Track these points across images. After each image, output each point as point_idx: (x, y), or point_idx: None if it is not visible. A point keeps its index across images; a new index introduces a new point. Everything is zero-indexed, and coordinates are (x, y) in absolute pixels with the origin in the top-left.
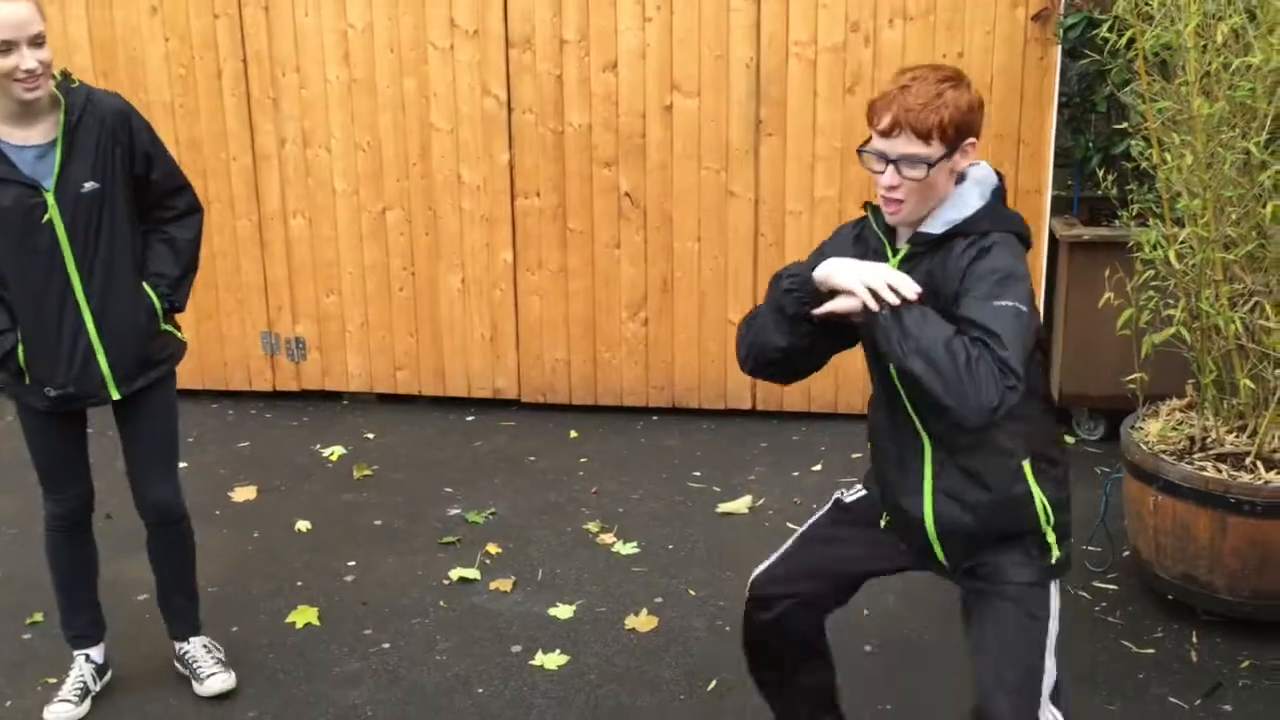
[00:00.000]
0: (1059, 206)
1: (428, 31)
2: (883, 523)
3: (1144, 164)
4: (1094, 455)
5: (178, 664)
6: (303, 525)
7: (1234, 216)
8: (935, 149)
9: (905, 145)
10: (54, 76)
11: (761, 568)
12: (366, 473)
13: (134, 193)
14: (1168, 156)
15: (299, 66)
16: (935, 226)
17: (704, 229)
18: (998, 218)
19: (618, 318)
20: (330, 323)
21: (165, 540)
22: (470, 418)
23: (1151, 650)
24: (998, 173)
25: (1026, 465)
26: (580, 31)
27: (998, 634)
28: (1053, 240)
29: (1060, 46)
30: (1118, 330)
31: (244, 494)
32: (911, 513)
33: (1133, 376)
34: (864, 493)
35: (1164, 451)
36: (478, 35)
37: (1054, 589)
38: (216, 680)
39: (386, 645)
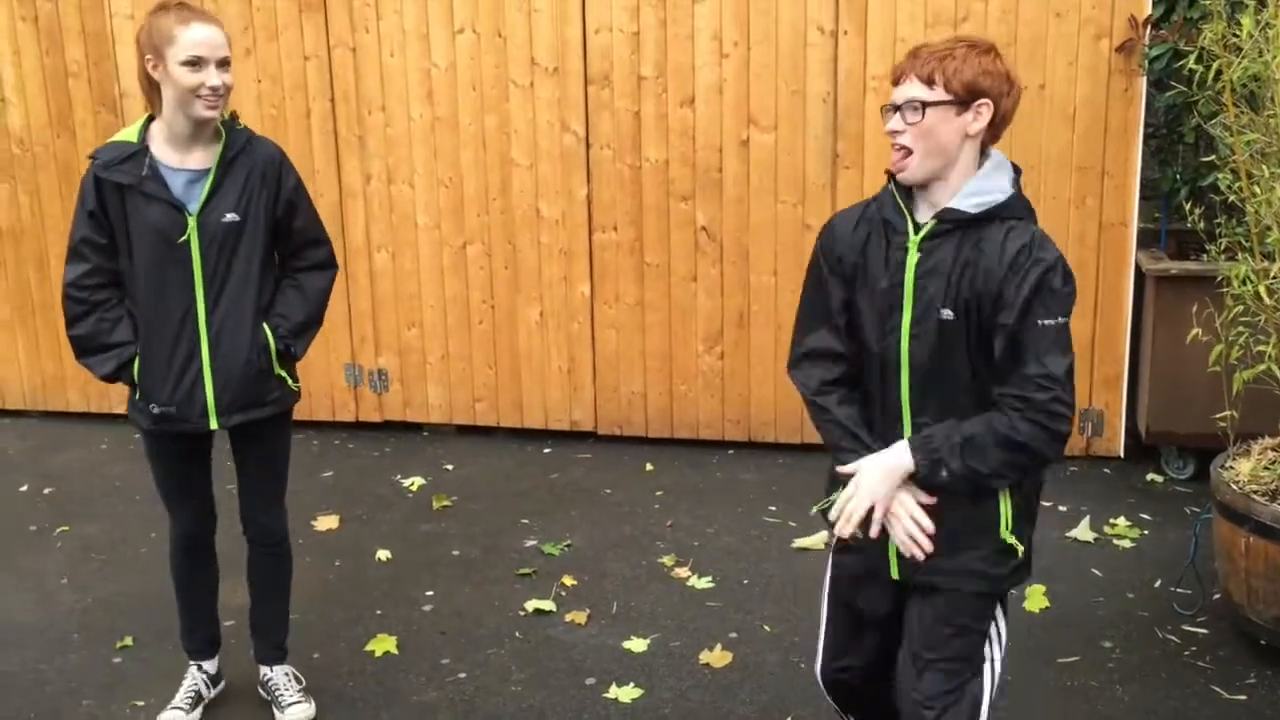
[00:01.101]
0: (1145, 240)
1: (509, 69)
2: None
3: (1232, 197)
4: (1183, 495)
5: (261, 689)
6: (383, 554)
7: None
8: (937, 94)
9: (908, 90)
10: (222, 114)
11: (820, 659)
12: (445, 503)
13: (273, 237)
14: (1257, 189)
15: (384, 105)
16: (966, 205)
17: (780, 262)
18: (1028, 207)
19: (694, 351)
20: (412, 355)
21: (262, 560)
22: (547, 450)
23: (1244, 697)
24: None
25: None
26: (658, 68)
27: (926, 628)
28: (1138, 274)
29: (1145, 78)
30: (1209, 367)
31: (327, 523)
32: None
33: (1223, 414)
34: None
35: (1255, 492)
36: (557, 73)
37: (999, 611)
38: (298, 710)
39: (463, 675)
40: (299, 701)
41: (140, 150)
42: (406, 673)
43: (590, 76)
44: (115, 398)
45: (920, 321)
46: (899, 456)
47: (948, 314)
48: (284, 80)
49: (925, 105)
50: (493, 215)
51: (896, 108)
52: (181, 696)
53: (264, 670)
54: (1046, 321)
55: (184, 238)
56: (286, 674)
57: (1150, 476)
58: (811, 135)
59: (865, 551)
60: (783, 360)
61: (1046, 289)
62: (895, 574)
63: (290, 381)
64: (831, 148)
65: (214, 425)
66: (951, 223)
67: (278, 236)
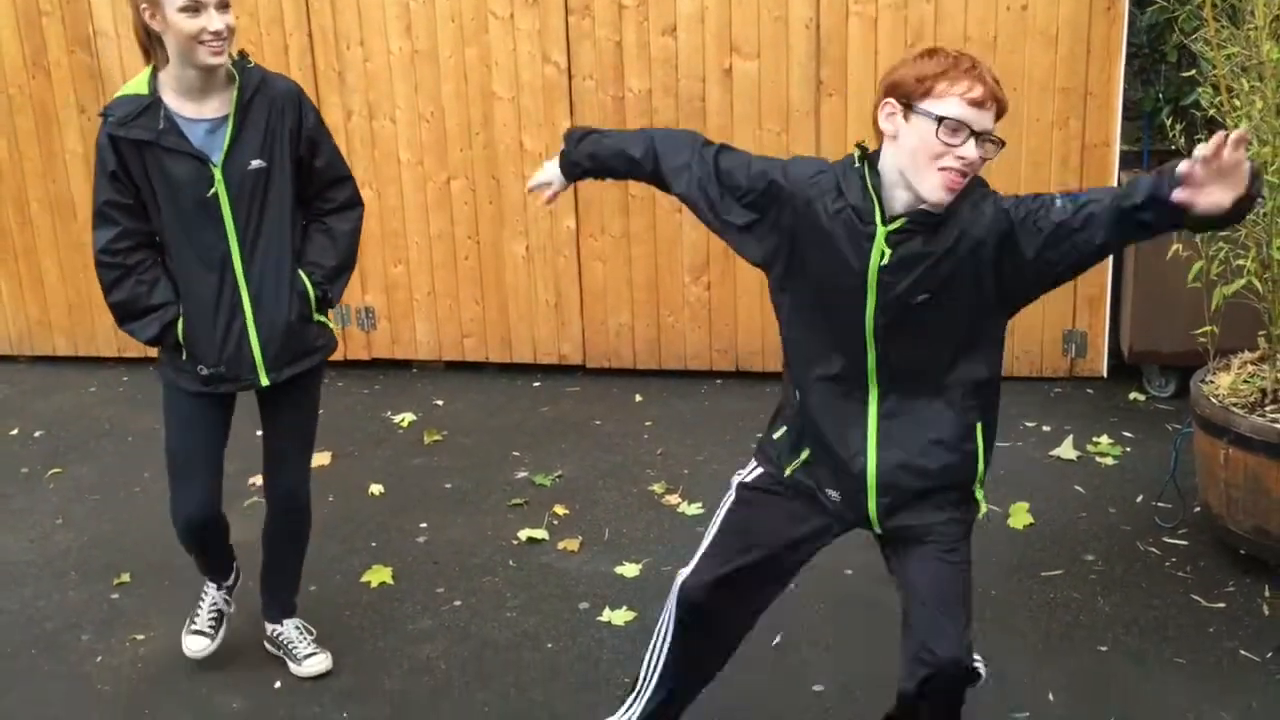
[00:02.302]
0: (1128, 162)
1: (488, 1)
2: (793, 469)
3: (1213, 112)
4: (1165, 412)
5: (269, 645)
6: (376, 489)
7: None
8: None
9: (990, 121)
10: (230, 56)
11: (687, 572)
12: (436, 438)
13: (297, 178)
14: (1237, 103)
15: (363, 40)
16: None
17: None
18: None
19: (680, 282)
20: (398, 292)
21: (284, 525)
22: (536, 383)
23: (1223, 604)
24: None
25: (980, 426)
26: None
27: (934, 583)
28: None
29: None
30: (1189, 283)
31: (318, 460)
32: (853, 466)
33: (1203, 330)
34: (761, 470)
35: (1235, 404)
36: (537, 3)
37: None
38: (315, 661)
39: (458, 603)
40: (315, 653)
41: (154, 102)
42: (403, 602)
43: (570, 6)
44: (101, 341)
45: (886, 309)
46: None
47: (921, 297)
48: (260, 15)
49: (999, 148)
50: (476, 150)
51: (974, 133)
52: (205, 619)
53: (273, 627)
54: (1056, 204)
55: (212, 191)
56: (298, 627)
57: (1133, 395)
58: (795, 62)
59: (845, 503)
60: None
61: (1032, 202)
62: (877, 528)
63: (330, 324)
64: (815, 74)
65: (265, 381)
66: (923, 225)
67: (300, 177)
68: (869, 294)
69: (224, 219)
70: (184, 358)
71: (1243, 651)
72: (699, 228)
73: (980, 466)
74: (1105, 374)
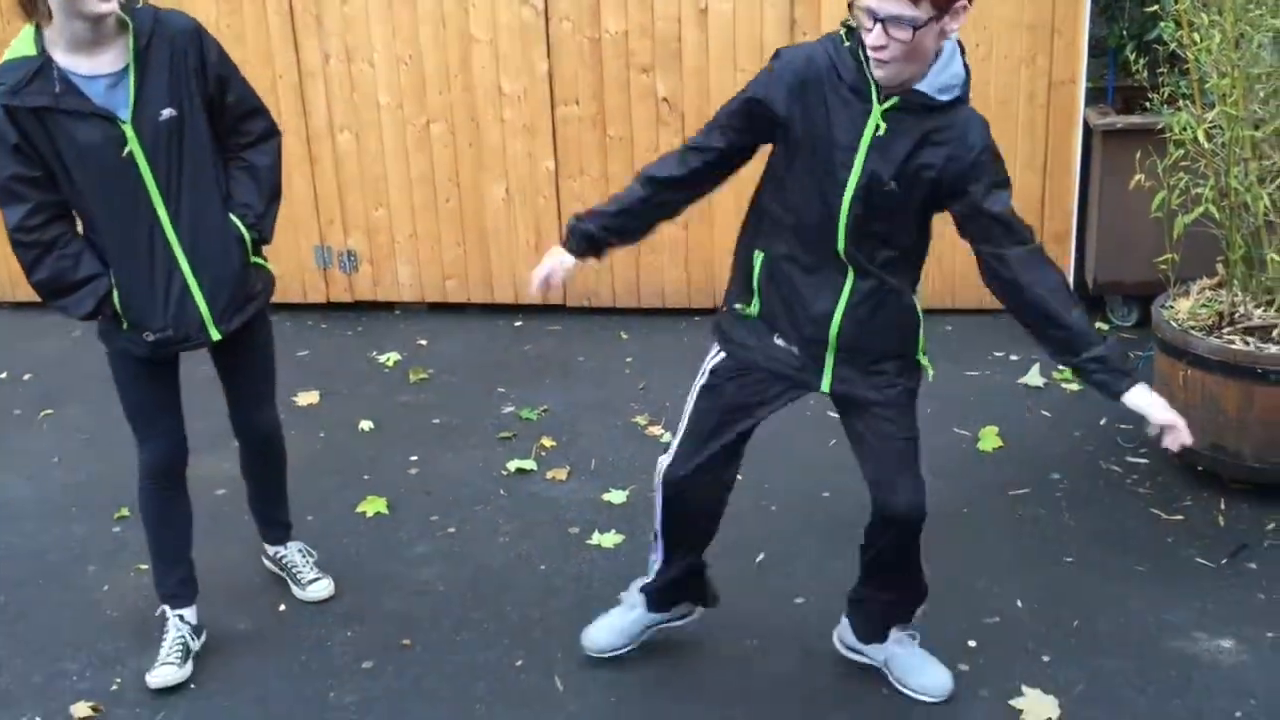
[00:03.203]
0: (1094, 98)
1: None
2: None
3: (1174, 47)
4: (1128, 341)
5: (270, 564)
6: (365, 425)
7: (1262, 94)
8: (924, 11)
9: (894, 5)
10: None
11: (668, 460)
12: (423, 376)
13: (211, 118)
14: (1197, 37)
15: None
16: (934, 91)
17: None
18: (969, 81)
19: None
20: (380, 235)
21: (262, 456)
22: (518, 323)
23: (1181, 517)
24: None
25: (916, 300)
26: None
27: (886, 442)
28: (1087, 131)
29: None
30: (1151, 213)
31: (307, 398)
32: (817, 333)
33: (1164, 258)
34: (724, 354)
35: (1193, 328)
36: None
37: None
38: (319, 586)
39: (453, 530)
40: (319, 578)
41: (44, 63)
42: (398, 530)
43: None
44: None
45: (865, 188)
46: None
47: (892, 186)
48: None
49: (916, 28)
50: (454, 93)
51: (877, 19)
52: (169, 651)
53: (276, 549)
54: (1002, 205)
55: (126, 150)
56: (300, 550)
57: (1097, 325)
58: (769, 2)
59: (803, 358)
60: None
61: (997, 179)
62: (826, 388)
63: (266, 265)
64: (789, 14)
65: (216, 336)
66: (919, 106)
67: (213, 116)
68: (855, 170)
69: (143, 177)
70: (124, 328)
71: (1198, 559)
72: None
73: (922, 335)
74: None
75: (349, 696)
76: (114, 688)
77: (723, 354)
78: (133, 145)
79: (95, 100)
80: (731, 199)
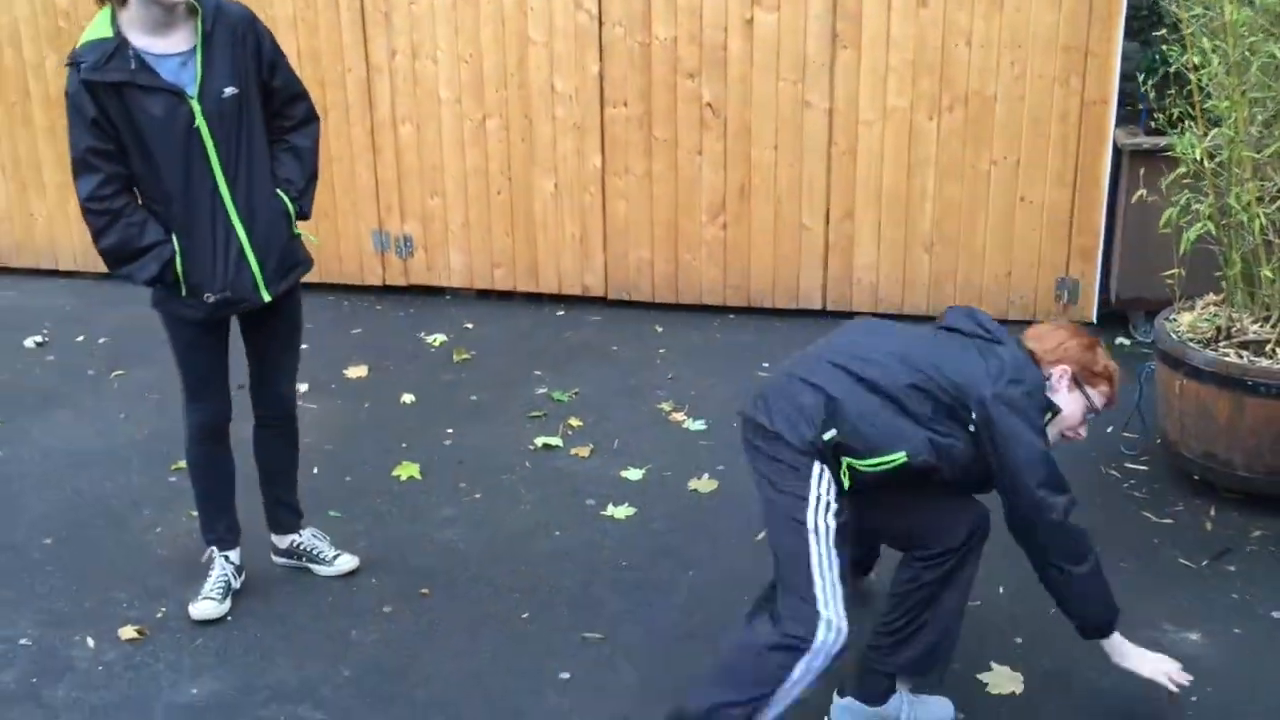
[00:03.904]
0: (1128, 120)
1: None
2: None
3: (1176, 68)
4: (1146, 355)
5: (283, 559)
6: (408, 399)
7: (1261, 118)
8: None
9: None
10: None
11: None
12: (465, 357)
13: (262, 100)
14: (1198, 60)
15: None
16: None
17: (781, 138)
18: None
19: (698, 221)
20: (435, 223)
21: (282, 433)
22: (560, 312)
23: (1170, 521)
24: None
25: None
26: None
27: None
28: (1116, 151)
29: None
30: (1159, 229)
31: (356, 372)
32: None
33: (1170, 272)
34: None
35: (1192, 340)
36: None
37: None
38: (345, 559)
39: (479, 496)
40: (342, 553)
41: (120, 43)
42: (429, 494)
43: None
44: None
45: None
46: None
47: None
48: None
49: None
50: (510, 90)
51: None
52: (212, 586)
53: (290, 538)
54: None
55: (195, 124)
56: (315, 534)
57: (1119, 340)
58: (812, 15)
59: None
60: (781, 231)
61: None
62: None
63: (308, 238)
64: (831, 27)
65: (266, 298)
66: None
67: (264, 98)
68: None
69: (206, 148)
70: (183, 294)
71: (1181, 559)
72: (718, 171)
73: None
74: (1095, 320)
75: (369, 636)
76: (159, 615)
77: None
78: (199, 119)
79: (166, 77)
80: (769, 202)
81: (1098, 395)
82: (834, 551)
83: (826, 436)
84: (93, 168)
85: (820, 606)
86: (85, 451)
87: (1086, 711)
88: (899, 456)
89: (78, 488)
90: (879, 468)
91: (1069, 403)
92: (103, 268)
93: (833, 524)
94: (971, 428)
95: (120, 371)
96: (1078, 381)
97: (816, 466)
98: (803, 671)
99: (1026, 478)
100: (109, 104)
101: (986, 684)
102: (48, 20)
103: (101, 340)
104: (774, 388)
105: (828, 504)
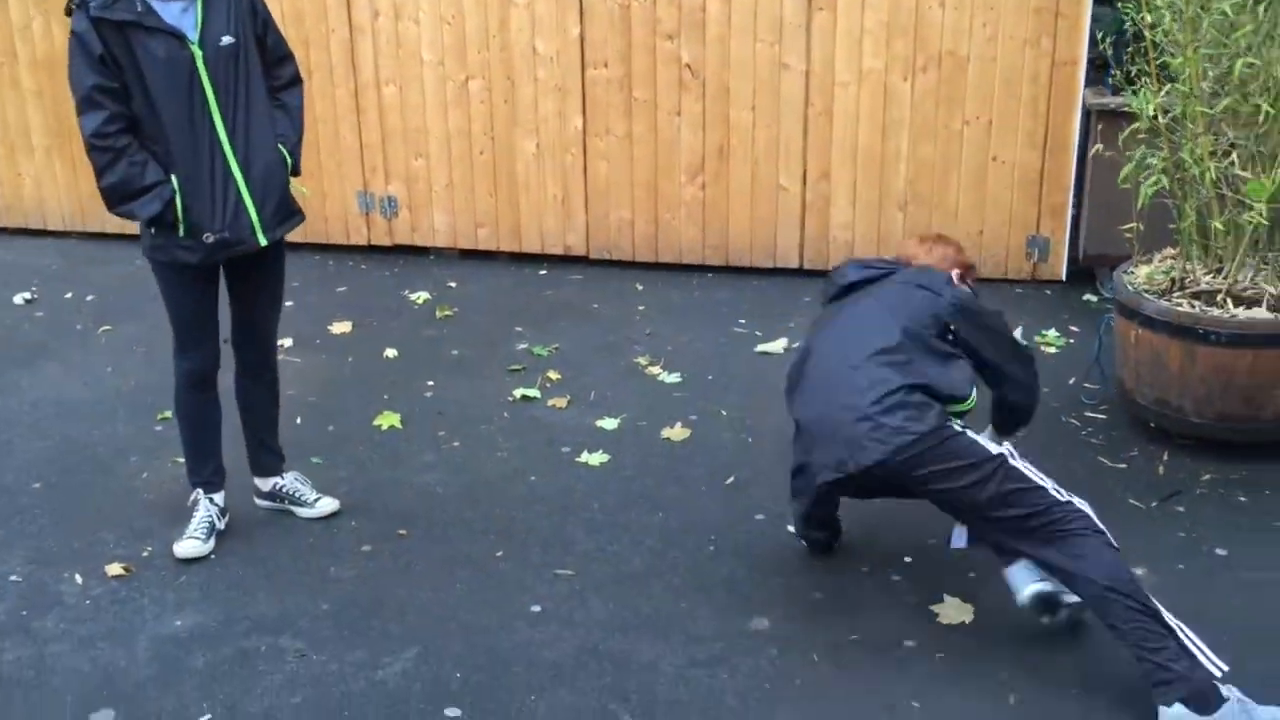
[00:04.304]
0: (1093, 80)
1: None
2: None
3: (1130, 26)
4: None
5: (266, 501)
6: (390, 353)
7: (1213, 74)
8: None
9: None
10: None
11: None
12: (448, 313)
13: (259, 53)
14: (1149, 17)
15: None
16: None
17: (758, 99)
18: None
19: (677, 182)
20: (418, 183)
21: (264, 380)
22: (543, 271)
23: (1124, 465)
24: None
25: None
26: None
27: None
28: (1085, 111)
29: None
30: (1119, 184)
31: (341, 328)
32: None
33: (1128, 226)
34: None
35: (1147, 291)
36: None
37: None
38: (326, 501)
39: (457, 444)
40: (322, 496)
41: None
42: (409, 442)
43: None
44: None
45: None
46: None
47: None
48: None
49: None
50: (492, 52)
51: None
52: (196, 526)
53: (273, 481)
54: None
55: (194, 66)
56: (296, 477)
57: (1086, 296)
58: None
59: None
60: (759, 191)
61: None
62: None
63: (302, 190)
64: None
65: (263, 241)
66: None
67: (260, 53)
68: None
69: (205, 93)
70: (181, 234)
71: (1132, 500)
72: (697, 132)
73: None
74: (1064, 277)
75: (347, 573)
76: (145, 554)
77: None
78: (198, 63)
79: (169, 20)
80: (747, 163)
81: (974, 286)
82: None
83: (946, 409)
84: (98, 104)
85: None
86: (73, 402)
87: (1029, 634)
88: (971, 391)
89: (66, 436)
90: (966, 409)
91: None
92: (94, 227)
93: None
94: (950, 336)
95: (107, 327)
96: (964, 279)
97: (960, 430)
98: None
99: (1014, 346)
100: (114, 43)
101: (938, 614)
102: None
103: (89, 297)
104: (854, 429)
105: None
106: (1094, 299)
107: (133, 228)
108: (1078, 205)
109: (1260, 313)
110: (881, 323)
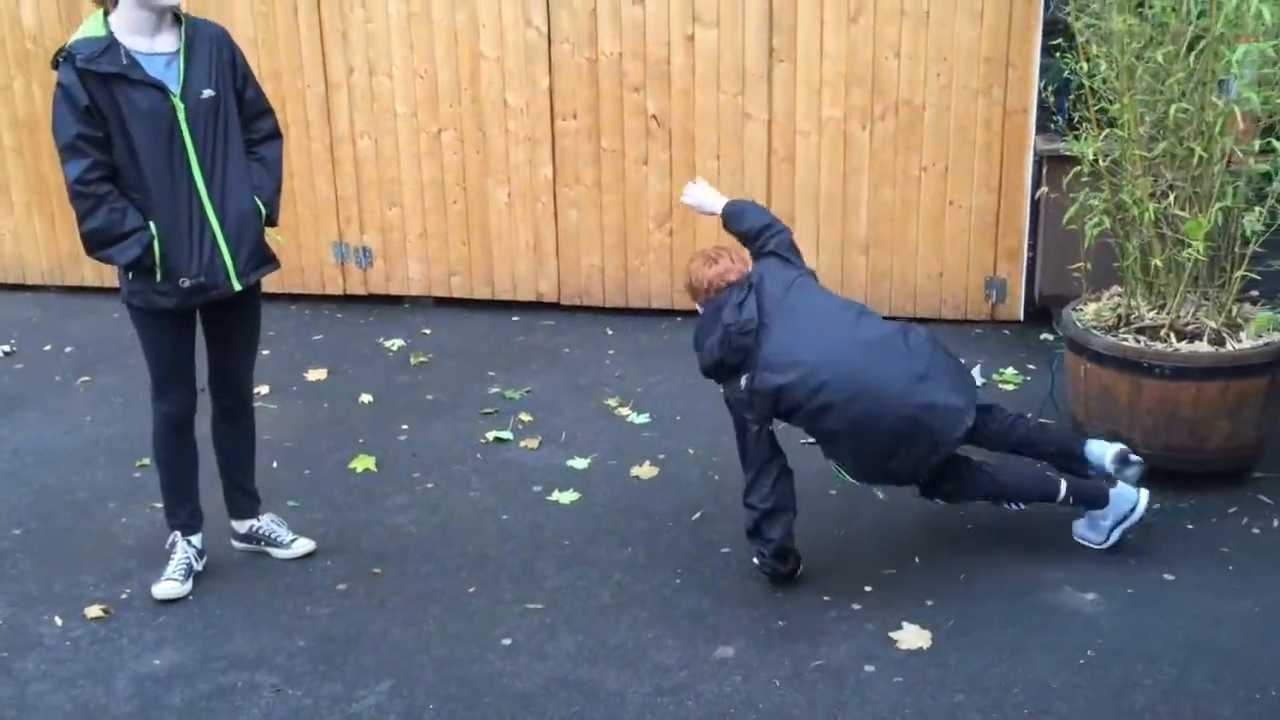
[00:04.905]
0: (1045, 127)
1: None
2: None
3: (1066, 73)
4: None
5: (242, 544)
6: (366, 398)
7: (1150, 120)
8: None
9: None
10: None
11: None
12: (422, 359)
13: (238, 107)
14: (1085, 66)
15: (364, 2)
16: None
17: (723, 147)
18: None
19: (646, 228)
20: (393, 233)
21: (241, 423)
22: (515, 318)
23: None
24: None
25: None
26: None
27: None
28: (1038, 157)
29: None
30: (1064, 225)
31: (316, 374)
32: None
33: (1076, 265)
34: None
35: (1095, 328)
36: None
37: None
38: (302, 542)
39: (431, 485)
40: (298, 537)
41: (112, 42)
42: (383, 484)
43: None
44: None
45: None
46: None
47: None
48: None
49: None
50: (464, 104)
51: None
52: (174, 568)
53: (249, 524)
54: None
55: (175, 118)
56: (273, 519)
57: (1043, 336)
58: (750, 30)
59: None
60: (726, 237)
61: None
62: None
63: (278, 239)
64: (767, 42)
65: (237, 286)
66: None
67: (238, 107)
68: None
69: (186, 144)
70: (159, 279)
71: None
72: (663, 178)
73: None
74: (1022, 317)
75: (323, 610)
76: (124, 596)
77: None
78: (180, 115)
79: (153, 73)
80: None
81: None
82: None
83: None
84: (81, 152)
85: None
86: (53, 450)
87: (986, 659)
88: None
89: (46, 483)
90: None
91: None
92: (69, 281)
93: None
94: None
95: (86, 378)
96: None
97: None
98: None
99: None
100: (99, 94)
101: (896, 640)
102: (15, 43)
103: (68, 349)
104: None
105: None
106: (1050, 338)
107: (109, 281)
108: (1033, 247)
109: (1202, 346)
110: (842, 302)
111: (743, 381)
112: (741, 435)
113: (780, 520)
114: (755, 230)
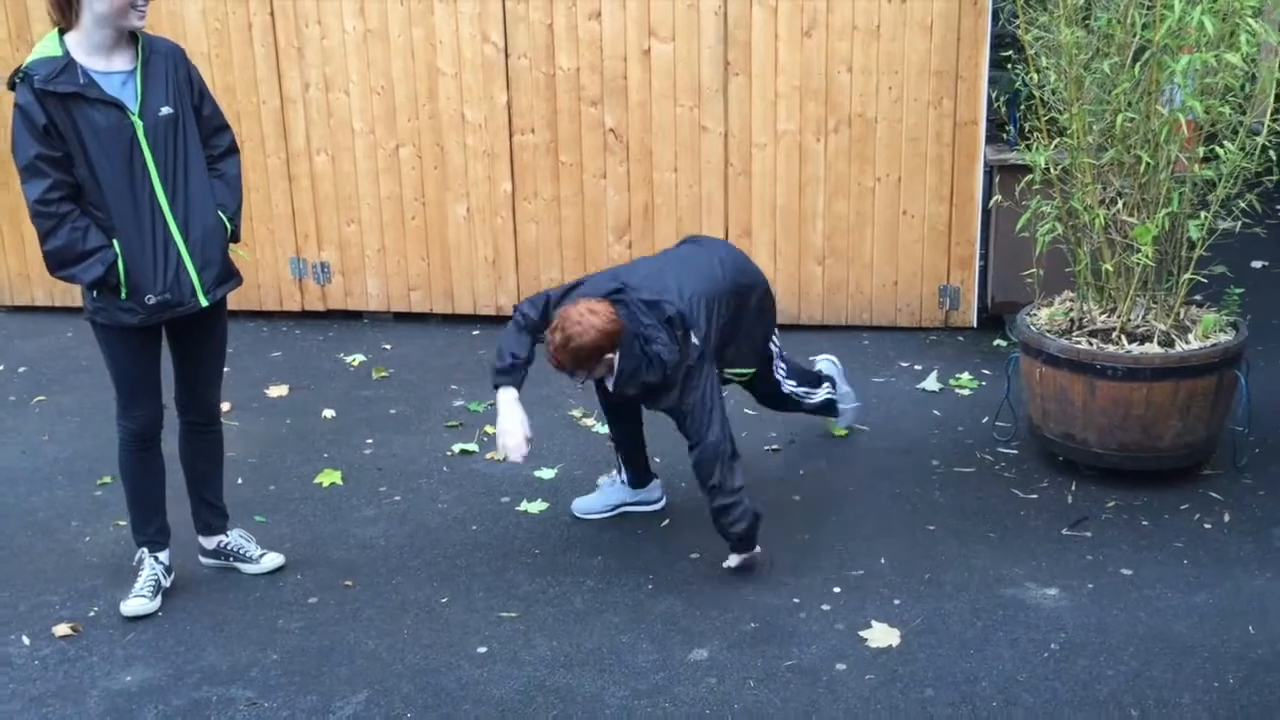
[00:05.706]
0: (994, 138)
1: None
2: None
3: (1017, 84)
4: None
5: (211, 560)
6: (328, 413)
7: (1098, 128)
8: None
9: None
10: None
11: None
12: (384, 374)
13: (197, 123)
14: (1035, 77)
15: (320, 19)
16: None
17: (680, 160)
18: None
19: (605, 241)
20: (351, 249)
21: (208, 439)
22: (476, 332)
23: (1035, 495)
24: None
25: None
26: None
27: None
28: (989, 167)
29: None
30: (1016, 232)
31: (277, 391)
32: None
33: (1029, 271)
34: None
35: (1049, 332)
36: None
37: None
38: (271, 557)
39: (398, 498)
40: (267, 552)
41: (69, 62)
42: (350, 497)
43: None
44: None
45: None
46: None
47: None
48: None
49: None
50: (422, 120)
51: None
52: (143, 585)
53: (218, 539)
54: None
55: (134, 136)
56: (241, 534)
57: (996, 341)
58: (705, 45)
59: None
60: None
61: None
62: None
63: (241, 254)
64: (723, 56)
65: (204, 302)
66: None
67: (197, 123)
68: None
69: (146, 161)
70: (124, 297)
71: (1044, 528)
72: (621, 191)
73: None
74: (975, 324)
75: (295, 623)
76: (91, 614)
77: None
78: (139, 132)
79: (110, 92)
80: (671, 221)
81: None
82: None
83: None
84: (41, 173)
85: None
86: (11, 469)
87: (954, 654)
88: None
89: (5, 503)
90: None
91: None
92: (20, 301)
93: None
94: None
95: (41, 397)
96: None
97: None
98: None
99: None
100: (57, 114)
101: (866, 639)
102: None
103: (21, 370)
104: None
105: None
106: (1003, 343)
107: (60, 300)
108: (985, 256)
109: (1152, 348)
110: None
111: (696, 340)
112: (706, 405)
113: (740, 467)
114: (537, 323)
